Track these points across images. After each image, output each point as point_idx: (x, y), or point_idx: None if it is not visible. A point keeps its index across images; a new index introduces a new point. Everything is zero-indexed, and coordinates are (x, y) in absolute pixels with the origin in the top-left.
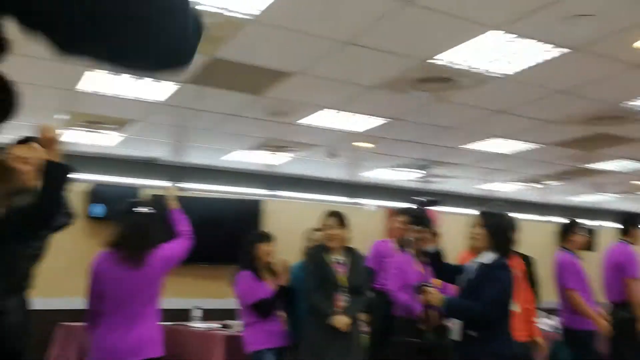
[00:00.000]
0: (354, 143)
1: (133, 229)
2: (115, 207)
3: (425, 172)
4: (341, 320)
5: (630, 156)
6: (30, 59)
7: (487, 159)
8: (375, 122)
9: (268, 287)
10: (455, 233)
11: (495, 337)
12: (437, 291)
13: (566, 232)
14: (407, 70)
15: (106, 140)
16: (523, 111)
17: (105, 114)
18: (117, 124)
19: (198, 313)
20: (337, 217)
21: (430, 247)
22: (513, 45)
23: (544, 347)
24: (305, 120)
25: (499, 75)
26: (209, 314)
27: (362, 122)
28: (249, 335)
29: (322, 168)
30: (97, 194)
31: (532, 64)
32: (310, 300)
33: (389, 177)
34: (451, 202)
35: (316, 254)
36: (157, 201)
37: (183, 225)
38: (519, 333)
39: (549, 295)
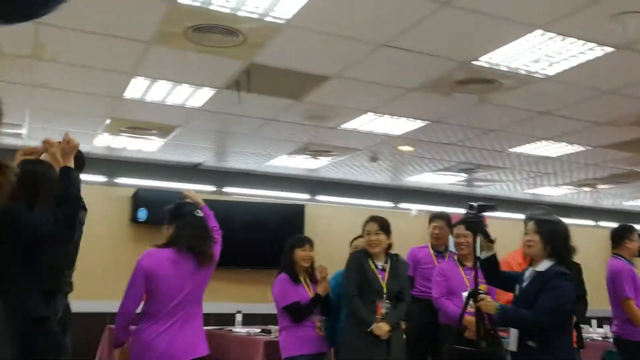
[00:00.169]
0: (395, 147)
1: (199, 231)
2: (163, 210)
3: (468, 175)
4: (382, 328)
5: None
6: (81, 68)
7: (534, 162)
8: (416, 125)
9: (304, 292)
10: (503, 238)
11: (555, 348)
12: (491, 298)
13: (620, 238)
14: (448, 72)
15: (149, 146)
16: (569, 112)
17: (148, 119)
18: (160, 130)
19: (239, 317)
20: (378, 223)
21: (484, 254)
22: (555, 45)
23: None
24: (346, 125)
25: (541, 76)
26: (252, 319)
27: (403, 125)
28: (284, 340)
29: (364, 172)
30: (140, 198)
31: (574, 64)
32: (351, 306)
33: (432, 181)
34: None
35: (357, 260)
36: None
37: (212, 221)
38: None
39: (600, 303)
